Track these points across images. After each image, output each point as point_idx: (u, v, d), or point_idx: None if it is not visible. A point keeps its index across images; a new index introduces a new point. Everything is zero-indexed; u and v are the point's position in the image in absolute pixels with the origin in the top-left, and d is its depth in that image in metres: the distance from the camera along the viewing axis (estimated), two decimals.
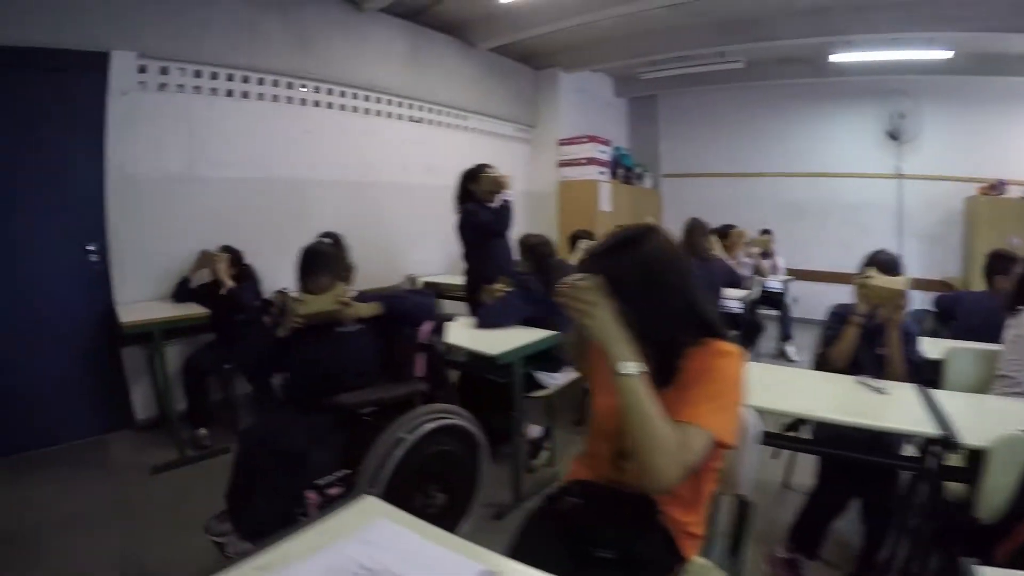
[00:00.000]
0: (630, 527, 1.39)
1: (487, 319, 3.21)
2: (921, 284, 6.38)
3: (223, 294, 3.74)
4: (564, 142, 7.11)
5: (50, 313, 3.54)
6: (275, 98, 4.51)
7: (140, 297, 3.84)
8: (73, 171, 3.57)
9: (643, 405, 1.19)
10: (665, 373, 1.32)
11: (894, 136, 7.15)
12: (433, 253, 5.83)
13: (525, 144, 7.20)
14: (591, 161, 6.96)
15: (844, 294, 2.67)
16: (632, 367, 1.21)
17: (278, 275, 4.21)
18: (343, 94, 4.99)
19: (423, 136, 5.77)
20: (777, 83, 7.35)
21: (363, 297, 2.45)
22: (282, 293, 4.15)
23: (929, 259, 7.10)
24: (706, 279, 4.49)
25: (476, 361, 2.85)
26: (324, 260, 2.43)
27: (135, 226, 3.79)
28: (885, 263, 2.55)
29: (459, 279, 5.32)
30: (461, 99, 6.12)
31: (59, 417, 3.60)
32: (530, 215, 6.84)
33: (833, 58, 6.24)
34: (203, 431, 3.70)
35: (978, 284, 5.45)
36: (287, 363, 2.42)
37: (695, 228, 4.75)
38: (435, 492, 2.14)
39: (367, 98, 5.19)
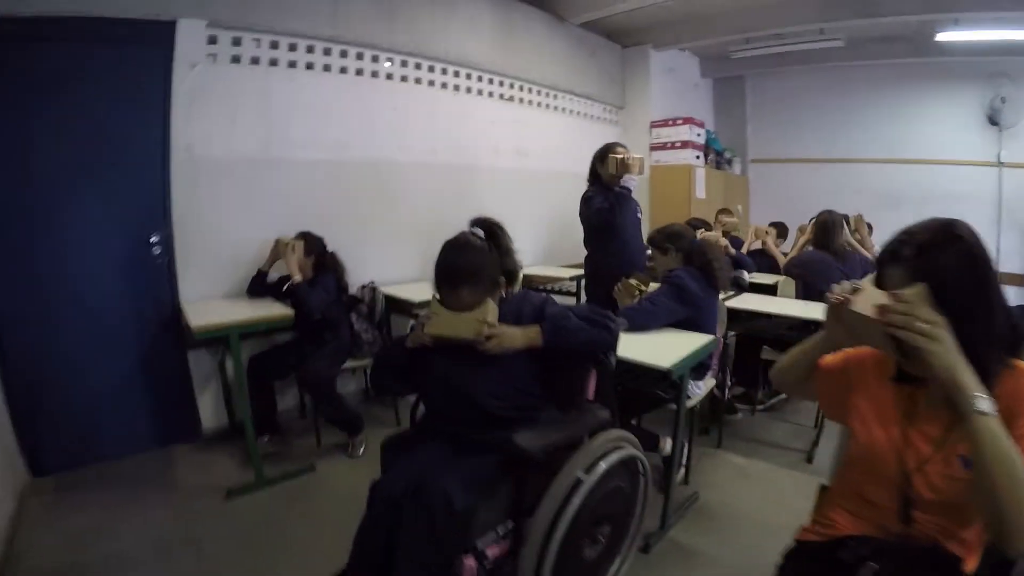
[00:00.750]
0: None
1: (636, 320, 2.66)
2: (1016, 279, 6.43)
3: (286, 289, 3.26)
4: (656, 124, 6.51)
5: (107, 313, 3.11)
6: (359, 72, 4.01)
7: (208, 293, 3.38)
8: (134, 154, 3.11)
9: (1009, 450, 0.97)
10: None
11: (994, 121, 6.59)
12: (527, 243, 5.24)
13: (614, 127, 6.59)
14: (686, 144, 6.34)
15: None
16: (988, 402, 0.99)
17: (362, 267, 3.77)
18: (431, 69, 4.47)
19: (513, 116, 5.22)
20: (873, 63, 6.79)
21: (515, 312, 1.83)
22: (372, 288, 3.76)
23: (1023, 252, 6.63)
24: (845, 279, 3.89)
25: (632, 371, 2.28)
26: (470, 267, 1.76)
27: (203, 214, 3.33)
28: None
29: (553, 271, 5.09)
30: (551, 77, 5.56)
31: (119, 428, 3.18)
32: None
33: (940, 36, 5.71)
34: (265, 438, 3.30)
35: None
36: (420, 382, 1.89)
37: (833, 221, 4.07)
38: (601, 535, 1.82)
39: (456, 74, 4.66)
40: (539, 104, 5.53)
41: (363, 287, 3.72)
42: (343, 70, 3.91)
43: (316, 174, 3.79)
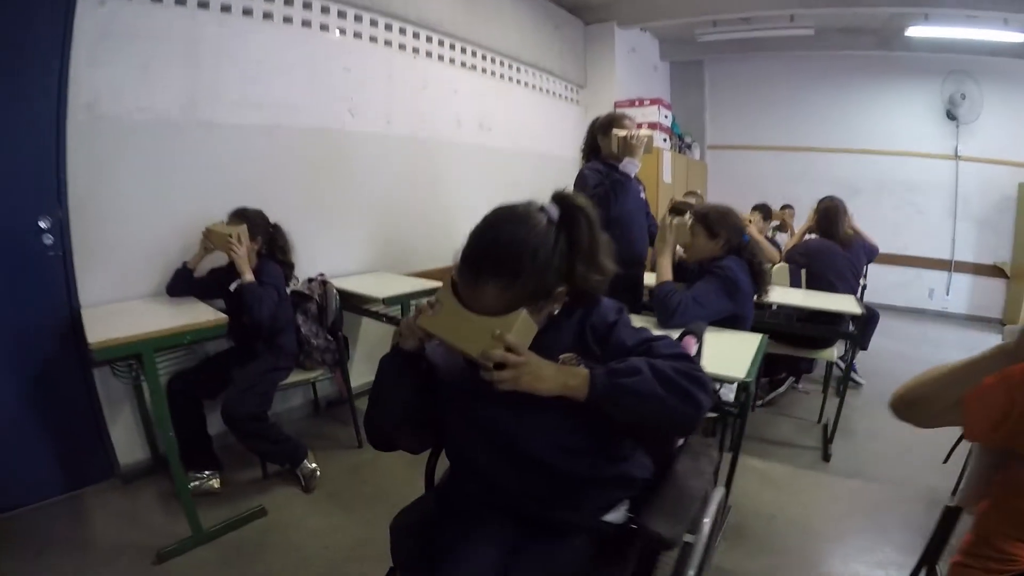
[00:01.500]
0: None
1: (681, 320, 2.26)
2: (969, 267, 6.97)
3: (235, 290, 2.62)
4: (622, 104, 6.07)
5: None
6: (306, 24, 3.35)
7: (117, 295, 2.65)
8: (17, 112, 2.35)
9: None
10: None
11: (952, 116, 6.88)
12: None
13: (576, 106, 6.14)
14: (654, 126, 5.93)
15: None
16: None
17: (309, 256, 3.16)
18: (389, 28, 3.85)
19: (476, 87, 4.67)
20: (837, 54, 6.87)
21: (566, 341, 1.22)
22: (322, 281, 3.15)
23: (981, 244, 6.99)
24: (851, 267, 3.83)
25: None
26: (510, 255, 1.09)
27: (109, 192, 2.61)
28: None
29: None
30: (515, 48, 5.04)
31: (12, 473, 2.44)
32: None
33: (910, 31, 5.81)
34: (201, 475, 2.63)
35: None
36: (442, 425, 1.32)
37: (836, 208, 3.89)
38: None
39: (416, 35, 4.06)
40: (502, 76, 5.01)
41: (311, 280, 3.10)
42: (287, 20, 3.25)
43: (253, 142, 3.12)
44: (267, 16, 3.15)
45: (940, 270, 7.14)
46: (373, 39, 3.74)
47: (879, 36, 6.36)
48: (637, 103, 6.03)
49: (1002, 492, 1.25)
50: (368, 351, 3.78)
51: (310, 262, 3.23)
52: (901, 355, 4.91)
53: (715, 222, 2.63)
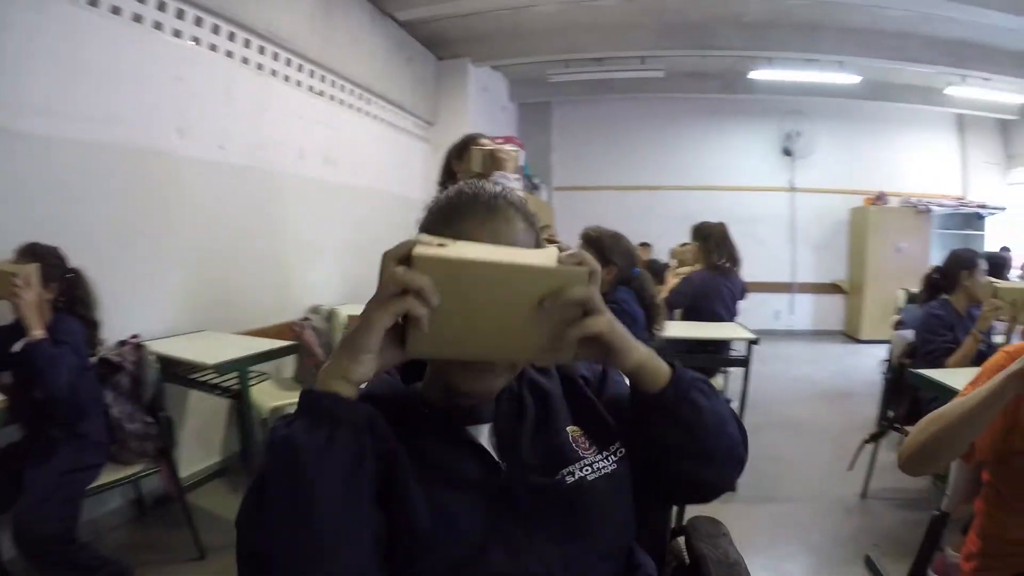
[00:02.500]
0: None
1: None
2: (810, 287, 7.95)
3: (19, 351, 1.92)
4: None
5: None
6: (137, 18, 2.69)
7: None
8: None
9: None
10: None
11: (788, 152, 7.77)
12: (332, 274, 4.25)
13: (424, 143, 5.80)
14: None
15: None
16: None
17: (118, 312, 2.46)
18: (232, 37, 3.26)
19: (324, 115, 4.16)
20: (685, 97, 7.49)
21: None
22: (136, 345, 2.44)
23: (820, 265, 7.99)
24: (732, 296, 4.04)
25: None
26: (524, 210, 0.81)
27: None
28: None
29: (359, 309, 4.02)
30: (367, 77, 4.62)
31: None
32: None
33: (752, 75, 6.46)
34: None
35: (862, 287, 7.41)
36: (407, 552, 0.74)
37: (719, 231, 4.07)
38: None
39: (262, 50, 3.50)
40: (351, 105, 4.56)
41: (123, 344, 2.40)
42: (115, 10, 2.58)
43: (57, 158, 2.37)
44: (92, 3, 2.47)
45: (783, 292, 7.95)
46: (213, 47, 3.14)
47: (724, 80, 6.95)
48: (493, 141, 5.81)
49: (1006, 488, 1.25)
50: (199, 432, 3.08)
51: (121, 321, 2.51)
52: (758, 374, 5.05)
53: (608, 248, 2.44)
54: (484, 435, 0.81)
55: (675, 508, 1.17)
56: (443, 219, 0.76)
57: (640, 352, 0.75)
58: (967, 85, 6.25)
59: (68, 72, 2.40)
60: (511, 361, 0.77)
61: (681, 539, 1.12)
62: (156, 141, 2.81)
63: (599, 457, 0.83)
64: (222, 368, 2.50)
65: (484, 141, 2.69)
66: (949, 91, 6.51)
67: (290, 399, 3.06)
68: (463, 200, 0.78)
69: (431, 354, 0.73)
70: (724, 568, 0.97)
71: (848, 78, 6.25)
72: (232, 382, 2.63)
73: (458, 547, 0.71)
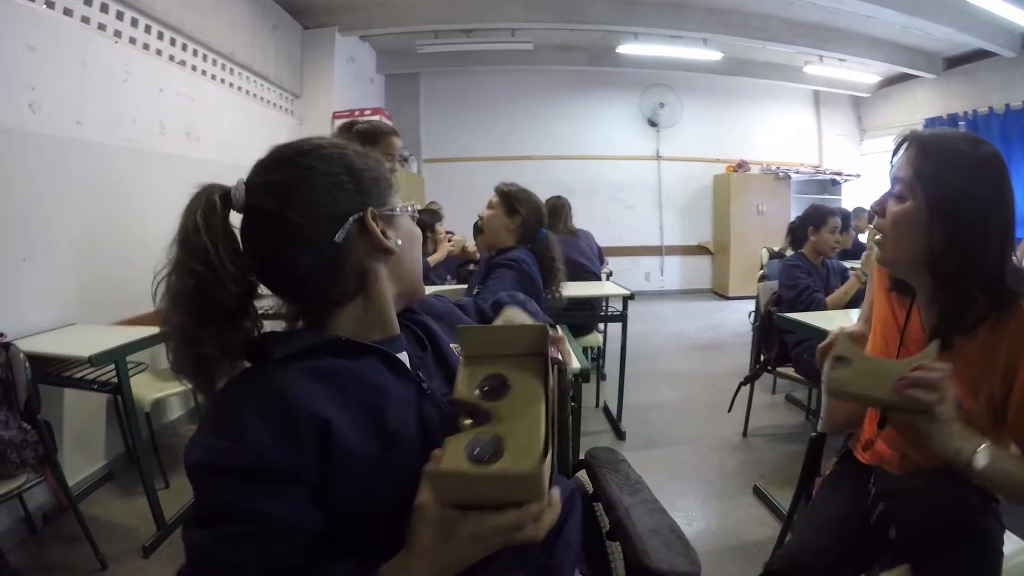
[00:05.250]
0: None
1: None
2: (678, 250, 8.54)
3: None
4: (341, 115, 5.64)
5: None
6: None
7: None
8: None
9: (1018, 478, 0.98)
10: (952, 326, 1.09)
11: (653, 123, 8.22)
12: None
13: (290, 117, 5.54)
14: None
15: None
16: (984, 453, 0.95)
17: None
18: (88, 1, 2.94)
19: (186, 87, 3.84)
20: (553, 69, 7.69)
21: None
22: (3, 345, 2.16)
23: (686, 228, 8.54)
24: (591, 251, 4.34)
25: None
26: None
27: None
28: None
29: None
30: (229, 46, 4.32)
31: None
32: None
33: (620, 49, 6.69)
34: None
35: (727, 247, 7.98)
36: None
37: (562, 206, 4.35)
38: None
39: (120, 16, 3.18)
40: (214, 76, 4.26)
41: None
42: None
43: None
44: None
45: (653, 255, 8.50)
46: (68, 12, 2.82)
47: (590, 53, 7.26)
48: (358, 113, 5.66)
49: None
50: (78, 435, 2.82)
51: None
52: (636, 331, 5.33)
53: (518, 199, 2.48)
54: (406, 362, 0.87)
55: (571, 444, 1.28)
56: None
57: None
58: (824, 64, 6.85)
59: None
60: None
61: (583, 472, 1.20)
62: (4, 117, 2.48)
63: None
64: (97, 360, 2.28)
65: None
66: (808, 70, 7.12)
67: (171, 389, 2.89)
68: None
69: None
70: (627, 487, 1.07)
71: (711, 54, 6.65)
72: (109, 375, 2.44)
73: (405, 464, 0.72)
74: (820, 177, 8.31)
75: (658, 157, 8.28)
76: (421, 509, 0.64)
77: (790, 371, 3.17)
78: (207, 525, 0.64)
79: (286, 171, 0.80)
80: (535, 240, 2.51)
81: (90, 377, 2.47)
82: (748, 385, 3.27)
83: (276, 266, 0.80)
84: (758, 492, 2.69)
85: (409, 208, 0.90)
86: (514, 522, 0.60)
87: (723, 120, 8.38)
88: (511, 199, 2.48)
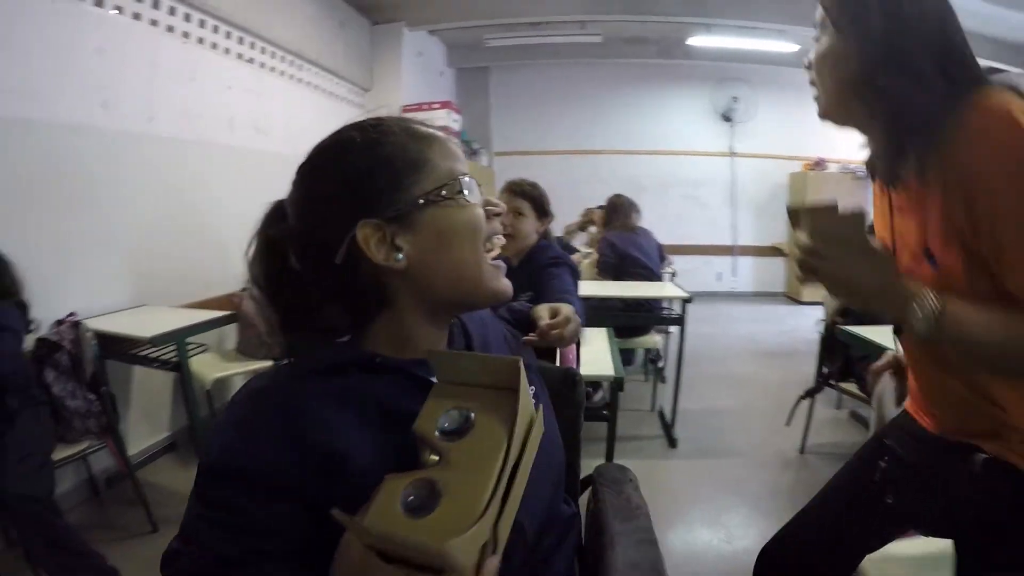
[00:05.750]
0: None
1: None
2: (751, 250, 8.13)
3: None
4: (410, 108, 5.81)
5: None
6: None
7: None
8: None
9: (979, 333, 0.79)
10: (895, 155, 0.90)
11: (727, 118, 7.89)
12: None
13: (360, 110, 5.70)
14: (443, 131, 5.67)
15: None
16: (931, 302, 0.79)
17: (52, 292, 2.44)
18: (156, 4, 3.14)
19: (252, 83, 4.05)
20: (623, 62, 7.51)
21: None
22: (73, 323, 2.40)
23: (760, 228, 8.16)
24: (655, 251, 4.23)
25: None
26: None
27: None
28: None
29: None
30: (296, 43, 4.50)
31: None
32: None
33: (691, 41, 6.48)
34: None
35: None
36: None
37: (623, 203, 4.30)
38: None
39: (187, 17, 3.38)
40: (282, 72, 4.44)
41: (60, 324, 2.37)
42: None
43: None
44: None
45: (725, 255, 8.20)
46: (137, 15, 3.02)
47: (661, 46, 7.04)
48: (425, 107, 5.84)
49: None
50: (146, 408, 3.07)
51: (58, 299, 2.49)
52: (703, 333, 5.26)
53: (545, 200, 2.40)
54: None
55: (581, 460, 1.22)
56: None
57: None
58: None
59: None
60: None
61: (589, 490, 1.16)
62: (79, 116, 2.71)
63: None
64: (157, 340, 2.49)
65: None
66: None
67: (233, 369, 3.07)
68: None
69: None
70: (624, 512, 1.02)
71: (787, 46, 6.30)
72: (171, 354, 2.63)
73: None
74: None
75: (732, 153, 7.93)
76: (344, 546, 0.59)
77: (853, 387, 2.92)
78: (200, 500, 0.68)
79: (295, 191, 0.81)
80: (549, 235, 2.49)
81: (153, 355, 2.68)
82: (809, 399, 3.09)
83: (297, 289, 0.77)
84: None
85: (443, 192, 0.76)
86: None
87: (800, 115, 7.59)
88: (542, 203, 2.41)
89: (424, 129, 0.84)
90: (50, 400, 2.16)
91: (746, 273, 8.25)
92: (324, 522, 0.57)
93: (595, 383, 2.95)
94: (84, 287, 2.73)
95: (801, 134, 7.74)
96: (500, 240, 0.81)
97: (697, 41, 6.39)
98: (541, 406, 0.67)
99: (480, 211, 0.79)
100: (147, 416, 3.08)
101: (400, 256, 0.73)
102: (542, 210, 2.40)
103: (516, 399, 0.62)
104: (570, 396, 1.17)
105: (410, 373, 0.76)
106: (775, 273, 8.22)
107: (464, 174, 0.79)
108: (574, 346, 1.27)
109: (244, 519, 0.65)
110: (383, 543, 0.53)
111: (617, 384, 1.97)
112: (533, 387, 0.85)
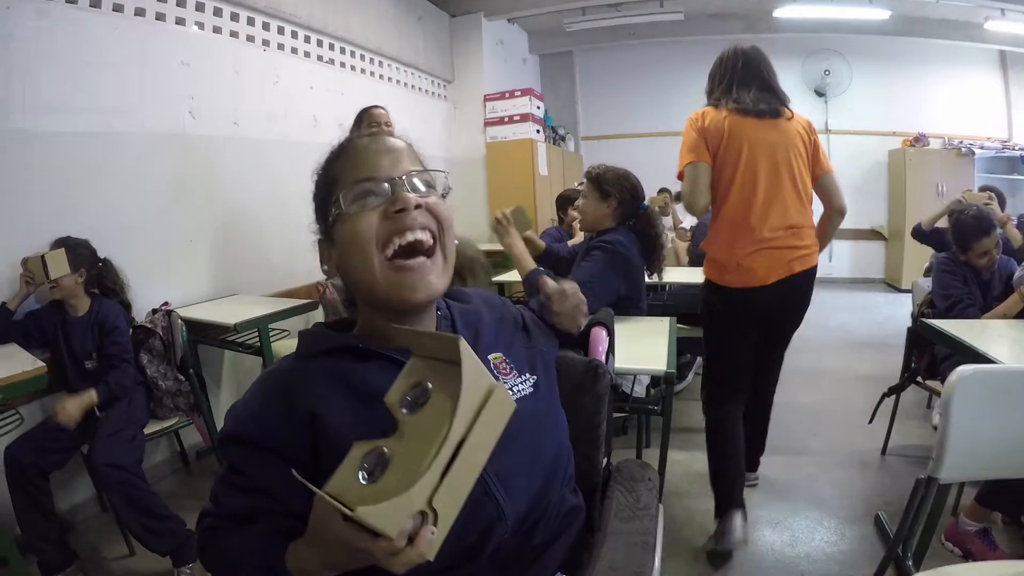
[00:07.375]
0: None
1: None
2: (849, 234, 7.29)
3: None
4: (492, 97, 5.95)
5: None
6: (140, 12, 2.84)
7: None
8: None
9: None
10: None
11: (820, 92, 7.37)
12: None
13: (444, 101, 5.88)
14: (526, 117, 5.85)
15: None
16: None
17: (146, 283, 2.76)
18: (235, 17, 3.40)
19: (333, 83, 4.27)
20: (708, 39, 7.00)
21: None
22: (166, 312, 2.68)
23: (858, 210, 7.22)
24: None
25: None
26: None
27: None
28: None
29: None
30: (375, 41, 4.69)
31: None
32: (456, 186, 5.52)
33: (777, 12, 6.20)
34: None
35: (904, 232, 6.07)
36: None
37: None
38: None
39: (266, 26, 3.63)
40: (362, 71, 4.65)
41: (154, 312, 2.66)
42: (118, 8, 2.73)
43: (77, 152, 2.58)
44: (95, 5, 2.64)
45: None
46: (217, 29, 3.28)
47: (747, 20, 6.69)
48: (507, 95, 5.91)
49: None
50: (234, 389, 3.37)
51: (157, 290, 2.81)
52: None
53: (608, 181, 2.43)
54: None
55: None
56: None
57: None
58: (1006, 20, 5.71)
59: (77, 71, 2.57)
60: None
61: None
62: (169, 124, 2.99)
63: (518, 380, 0.92)
64: (240, 327, 2.73)
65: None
66: (989, 26, 5.98)
67: None
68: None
69: None
70: (627, 511, 1.02)
71: (878, 13, 5.96)
72: (255, 340, 2.88)
73: None
74: (1009, 154, 6.84)
75: (827, 131, 7.35)
76: (316, 503, 0.63)
77: (939, 386, 2.55)
78: (221, 465, 0.86)
79: None
80: (636, 216, 2.47)
81: (239, 340, 2.94)
82: (893, 396, 2.82)
83: None
84: (879, 524, 2.25)
85: (337, 207, 0.82)
86: (365, 548, 0.56)
87: (897, 88, 7.21)
88: (601, 183, 2.44)
89: (342, 141, 0.93)
90: (144, 381, 2.44)
91: (843, 258, 7.70)
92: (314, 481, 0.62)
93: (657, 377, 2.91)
94: (178, 278, 3.04)
95: (899, 108, 7.25)
96: (418, 235, 0.81)
97: (784, 12, 6.09)
98: (505, 387, 0.71)
99: (367, 218, 0.81)
100: (235, 396, 3.34)
101: (325, 268, 0.89)
102: (603, 192, 2.44)
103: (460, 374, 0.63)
104: (592, 388, 1.14)
105: (393, 358, 0.83)
106: (874, 258, 7.62)
107: (368, 178, 0.82)
108: (604, 336, 1.26)
109: (247, 479, 0.81)
110: (321, 504, 0.60)
111: (665, 379, 1.86)
112: (521, 370, 0.94)
